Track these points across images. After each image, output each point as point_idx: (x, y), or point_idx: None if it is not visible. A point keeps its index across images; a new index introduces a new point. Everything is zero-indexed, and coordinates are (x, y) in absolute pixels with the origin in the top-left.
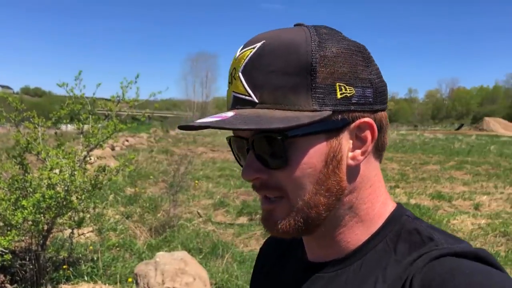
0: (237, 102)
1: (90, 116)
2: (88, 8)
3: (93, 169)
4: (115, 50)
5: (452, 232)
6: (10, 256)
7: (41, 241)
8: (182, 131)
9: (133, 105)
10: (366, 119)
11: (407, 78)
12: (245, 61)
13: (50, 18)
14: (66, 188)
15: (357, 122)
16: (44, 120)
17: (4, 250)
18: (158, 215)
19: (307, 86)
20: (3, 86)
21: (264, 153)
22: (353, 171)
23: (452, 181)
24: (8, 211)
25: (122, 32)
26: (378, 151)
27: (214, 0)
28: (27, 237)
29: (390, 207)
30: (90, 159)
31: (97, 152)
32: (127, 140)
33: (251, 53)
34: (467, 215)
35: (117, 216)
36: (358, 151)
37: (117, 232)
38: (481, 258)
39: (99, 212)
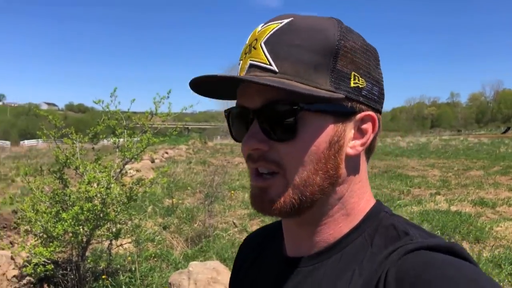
0: (254, 69)
1: (125, 130)
2: (122, 24)
3: (131, 181)
4: (150, 64)
5: (495, 239)
6: (52, 266)
7: (81, 252)
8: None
9: (165, 119)
10: (371, 113)
11: (449, 82)
12: (270, 33)
13: (92, 38)
14: (102, 200)
15: (362, 113)
16: (81, 136)
17: (46, 261)
18: (195, 225)
19: (328, 67)
20: (49, 104)
21: (272, 123)
22: (350, 161)
23: (497, 187)
24: (49, 224)
25: (157, 44)
26: (369, 152)
27: (245, 14)
28: (68, 248)
29: (371, 202)
30: (126, 172)
31: (136, 165)
32: (166, 152)
33: (278, 27)
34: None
35: (155, 227)
36: (358, 142)
37: (155, 243)
38: (454, 252)
39: (136, 224)
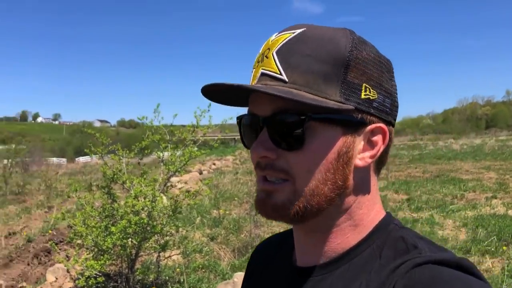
0: (265, 78)
1: (169, 145)
2: (165, 40)
3: (177, 194)
4: (192, 77)
5: None
6: (103, 279)
7: (130, 265)
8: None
9: (206, 132)
10: (381, 125)
11: (503, 79)
12: (282, 42)
13: (140, 56)
14: (148, 214)
15: (373, 125)
16: (127, 151)
17: (98, 273)
18: (241, 236)
19: (338, 78)
20: (101, 121)
21: (281, 132)
22: (359, 173)
23: None
24: (99, 237)
25: (199, 57)
26: (380, 164)
27: (289, 22)
28: (118, 261)
29: (380, 214)
30: (171, 185)
31: (185, 177)
32: (214, 164)
33: (290, 36)
34: None
35: (203, 238)
36: (367, 154)
37: (203, 254)
38: (463, 267)
39: (183, 235)
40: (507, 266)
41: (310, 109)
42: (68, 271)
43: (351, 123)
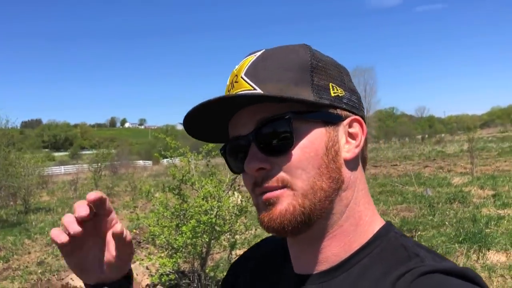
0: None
1: None
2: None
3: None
4: None
5: None
6: (176, 276)
7: (202, 262)
8: None
9: None
10: (357, 117)
11: None
12: (247, 65)
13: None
14: (216, 213)
15: (349, 119)
16: (196, 154)
17: (171, 271)
18: None
19: (307, 81)
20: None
21: (269, 139)
22: (350, 165)
23: None
24: (171, 237)
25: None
26: (363, 162)
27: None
28: (191, 259)
29: (379, 222)
30: (238, 184)
31: None
32: None
33: (253, 59)
34: None
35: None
36: (352, 145)
37: None
38: (468, 277)
39: (255, 234)
40: None
41: (286, 110)
42: (147, 268)
43: (330, 118)
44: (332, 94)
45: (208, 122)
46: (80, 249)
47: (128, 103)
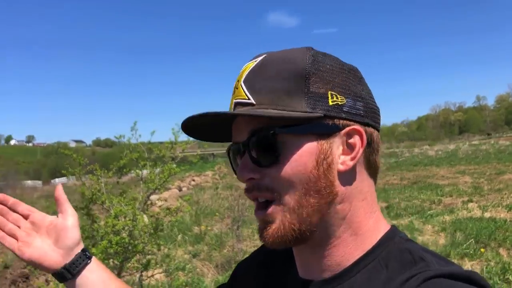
0: (238, 106)
1: (147, 162)
2: (140, 54)
3: (158, 212)
4: (168, 93)
5: None
6: None
7: None
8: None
9: (185, 148)
10: (356, 126)
11: (473, 85)
12: (247, 72)
13: (112, 73)
14: (129, 233)
15: (347, 128)
16: (106, 171)
17: None
18: (224, 251)
19: (301, 91)
20: (76, 141)
21: (258, 151)
22: (345, 178)
23: None
24: None
25: (173, 72)
26: (371, 169)
27: (262, 36)
28: None
29: (384, 227)
30: (152, 203)
31: (164, 194)
32: (193, 180)
33: (253, 65)
34: None
35: (185, 256)
36: (347, 157)
37: (185, 272)
38: (474, 281)
39: (165, 253)
40: (486, 267)
41: (277, 123)
42: None
43: (323, 129)
44: (330, 103)
45: (210, 124)
46: (29, 247)
47: (14, 119)
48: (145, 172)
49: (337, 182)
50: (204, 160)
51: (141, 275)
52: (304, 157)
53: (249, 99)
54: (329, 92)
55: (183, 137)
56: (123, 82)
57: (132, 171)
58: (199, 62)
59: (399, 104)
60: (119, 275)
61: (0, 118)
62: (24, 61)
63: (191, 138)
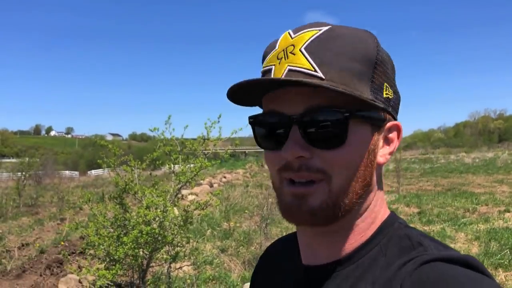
0: (296, 75)
1: (179, 156)
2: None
3: (187, 205)
4: (202, 89)
5: None
6: None
7: (142, 275)
8: None
9: (216, 143)
10: (397, 123)
11: None
12: (310, 39)
13: (151, 69)
14: (160, 224)
15: (390, 123)
16: (140, 163)
17: (110, 283)
18: (252, 248)
19: (368, 77)
20: (113, 134)
21: (319, 130)
22: (378, 170)
23: None
24: (111, 247)
25: (210, 68)
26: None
27: None
28: (130, 271)
29: (386, 214)
30: (182, 196)
31: (195, 189)
32: (224, 177)
33: (318, 33)
34: None
35: (213, 250)
36: (386, 151)
37: (213, 266)
38: (471, 265)
39: (194, 247)
40: None
41: (353, 105)
42: (80, 281)
43: (379, 121)
44: (384, 95)
45: (247, 92)
46: None
47: (54, 111)
48: (177, 167)
49: (374, 173)
50: (235, 158)
51: (170, 267)
52: (362, 144)
53: (315, 70)
54: (385, 84)
55: (215, 132)
56: (162, 77)
57: (165, 164)
58: (234, 60)
59: (437, 109)
60: (148, 265)
61: (41, 109)
62: (67, 52)
63: (223, 135)
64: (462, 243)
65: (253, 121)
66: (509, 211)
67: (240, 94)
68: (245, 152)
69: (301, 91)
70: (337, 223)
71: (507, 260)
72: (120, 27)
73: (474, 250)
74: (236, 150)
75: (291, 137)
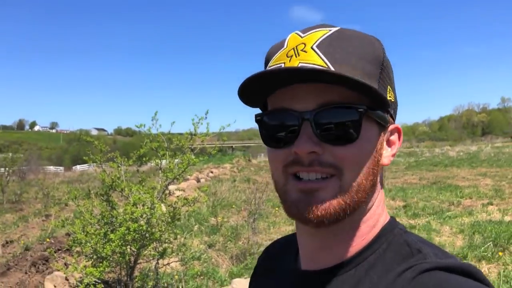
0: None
1: (167, 152)
2: (163, 50)
3: (174, 201)
4: (189, 84)
5: None
6: (103, 286)
7: (129, 272)
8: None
9: (204, 139)
10: (398, 125)
11: (499, 87)
12: (321, 38)
13: (136, 63)
14: (147, 221)
15: (393, 126)
16: (126, 159)
17: (97, 281)
18: (239, 243)
19: (377, 77)
20: (98, 129)
21: (332, 126)
22: (381, 171)
23: None
24: (98, 244)
25: (196, 64)
26: None
27: (284, 29)
28: (117, 268)
29: (384, 217)
30: (170, 192)
31: (182, 185)
32: (211, 172)
33: (328, 33)
34: None
35: (201, 246)
36: (389, 152)
37: (201, 261)
38: (470, 273)
39: (181, 242)
40: (503, 271)
41: (366, 103)
42: (66, 278)
43: (385, 121)
44: (388, 97)
45: (256, 86)
46: None
47: (38, 106)
48: (164, 162)
49: (379, 173)
50: (222, 153)
51: (157, 263)
52: (373, 142)
53: (328, 67)
54: (388, 87)
55: (202, 128)
56: (146, 73)
57: (152, 160)
58: (220, 54)
59: (422, 103)
60: (135, 262)
61: (25, 104)
62: (51, 45)
63: (211, 130)
64: (447, 236)
65: (261, 118)
66: (492, 204)
67: (252, 88)
68: (232, 146)
69: (313, 87)
70: (340, 224)
71: (490, 253)
72: (106, 23)
73: (459, 243)
74: (223, 145)
75: (303, 133)
